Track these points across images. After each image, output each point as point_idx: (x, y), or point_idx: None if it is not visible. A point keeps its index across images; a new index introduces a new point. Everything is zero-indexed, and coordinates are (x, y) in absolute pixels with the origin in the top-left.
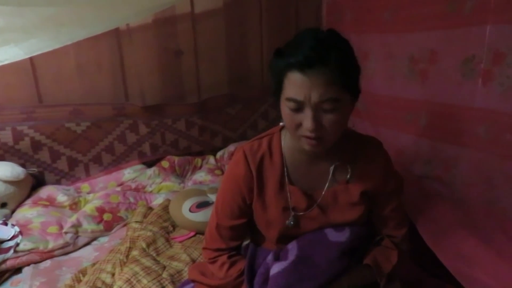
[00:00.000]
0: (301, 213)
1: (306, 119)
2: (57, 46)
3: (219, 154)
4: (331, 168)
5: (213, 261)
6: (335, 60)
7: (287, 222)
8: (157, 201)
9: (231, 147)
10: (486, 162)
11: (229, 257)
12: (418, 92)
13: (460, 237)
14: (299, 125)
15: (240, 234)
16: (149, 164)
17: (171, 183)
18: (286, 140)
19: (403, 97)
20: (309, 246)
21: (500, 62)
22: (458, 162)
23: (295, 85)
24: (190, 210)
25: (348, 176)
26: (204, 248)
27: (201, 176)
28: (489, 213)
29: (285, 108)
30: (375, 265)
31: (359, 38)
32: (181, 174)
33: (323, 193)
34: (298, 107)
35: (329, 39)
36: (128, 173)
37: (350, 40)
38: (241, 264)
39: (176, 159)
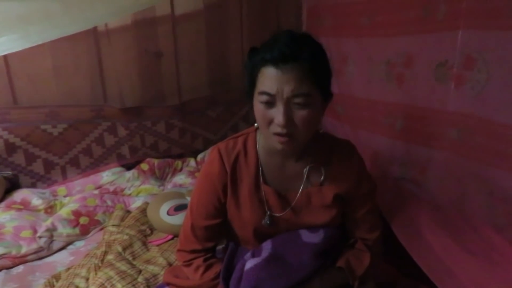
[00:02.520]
0: (275, 214)
1: (278, 114)
2: (27, 45)
3: (199, 156)
4: (305, 170)
5: (188, 264)
6: (308, 57)
7: (263, 221)
8: (136, 204)
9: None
10: (458, 164)
11: (204, 260)
12: (394, 95)
13: (434, 237)
14: (270, 122)
15: (215, 235)
16: (129, 167)
17: (150, 186)
18: (261, 141)
19: (380, 100)
20: (282, 245)
21: (471, 67)
22: (432, 164)
23: (269, 79)
24: (167, 213)
25: (322, 178)
26: (178, 251)
27: (181, 178)
28: (460, 213)
29: (258, 103)
30: (347, 268)
31: (338, 42)
32: (161, 177)
33: (297, 195)
34: (270, 101)
35: (303, 38)
36: (107, 176)
37: (329, 44)
38: (217, 267)
39: (156, 161)
